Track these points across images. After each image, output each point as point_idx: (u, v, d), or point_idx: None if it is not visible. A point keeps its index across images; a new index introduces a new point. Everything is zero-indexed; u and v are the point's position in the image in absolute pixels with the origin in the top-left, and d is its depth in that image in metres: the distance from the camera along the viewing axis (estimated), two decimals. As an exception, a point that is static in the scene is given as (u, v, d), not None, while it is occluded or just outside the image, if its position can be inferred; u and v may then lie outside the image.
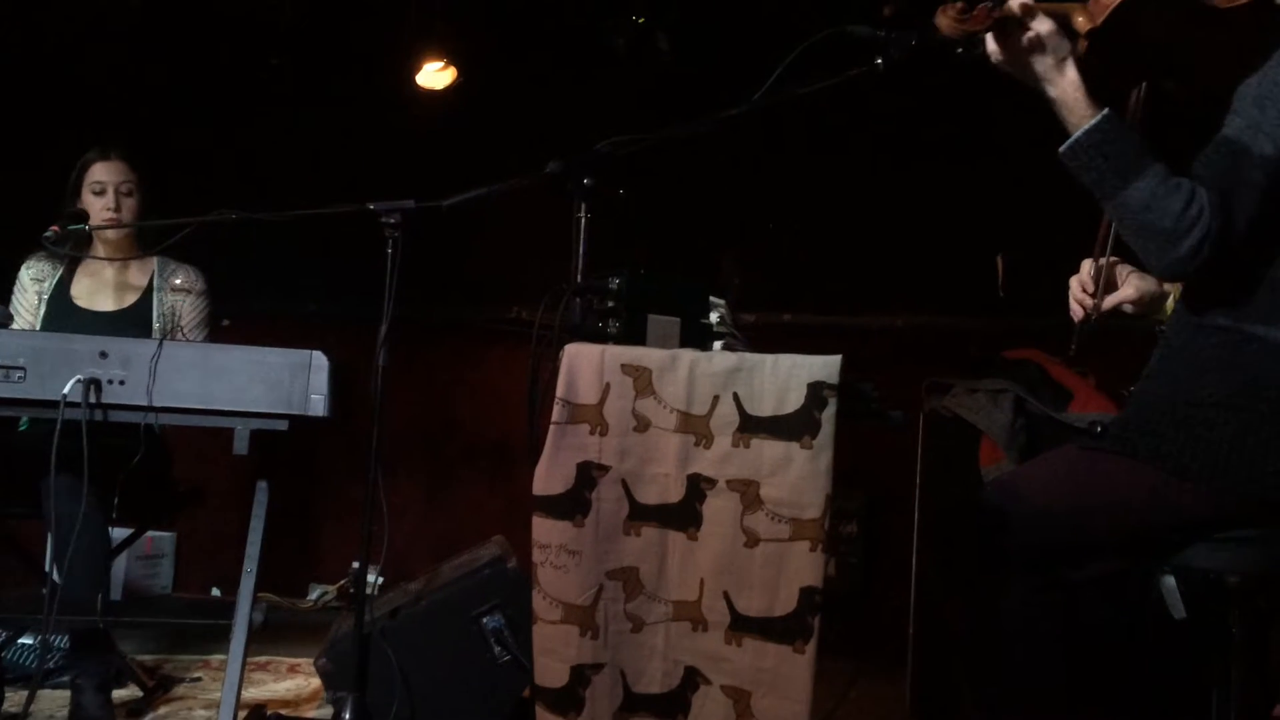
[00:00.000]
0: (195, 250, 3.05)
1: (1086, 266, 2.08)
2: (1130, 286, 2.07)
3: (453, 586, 2.72)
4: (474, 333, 4.60)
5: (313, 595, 4.56)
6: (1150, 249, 1.78)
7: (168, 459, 3.07)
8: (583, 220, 2.31)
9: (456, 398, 4.71)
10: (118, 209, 3.06)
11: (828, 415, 1.86)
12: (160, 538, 4.53)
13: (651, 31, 4.23)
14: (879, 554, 4.09)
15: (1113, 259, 2.06)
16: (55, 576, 2.49)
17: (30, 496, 2.66)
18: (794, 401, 1.87)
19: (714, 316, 2.12)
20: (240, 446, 2.42)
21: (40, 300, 3.09)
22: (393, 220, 2.53)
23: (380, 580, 3.68)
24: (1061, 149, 1.82)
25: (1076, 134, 1.79)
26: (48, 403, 2.34)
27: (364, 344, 2.80)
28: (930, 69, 2.09)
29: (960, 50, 1.84)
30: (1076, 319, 2.10)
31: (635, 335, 2.04)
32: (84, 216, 2.96)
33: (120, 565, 4.23)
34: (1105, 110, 1.79)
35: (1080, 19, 1.79)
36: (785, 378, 1.88)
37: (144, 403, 2.38)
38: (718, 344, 2.09)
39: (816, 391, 1.86)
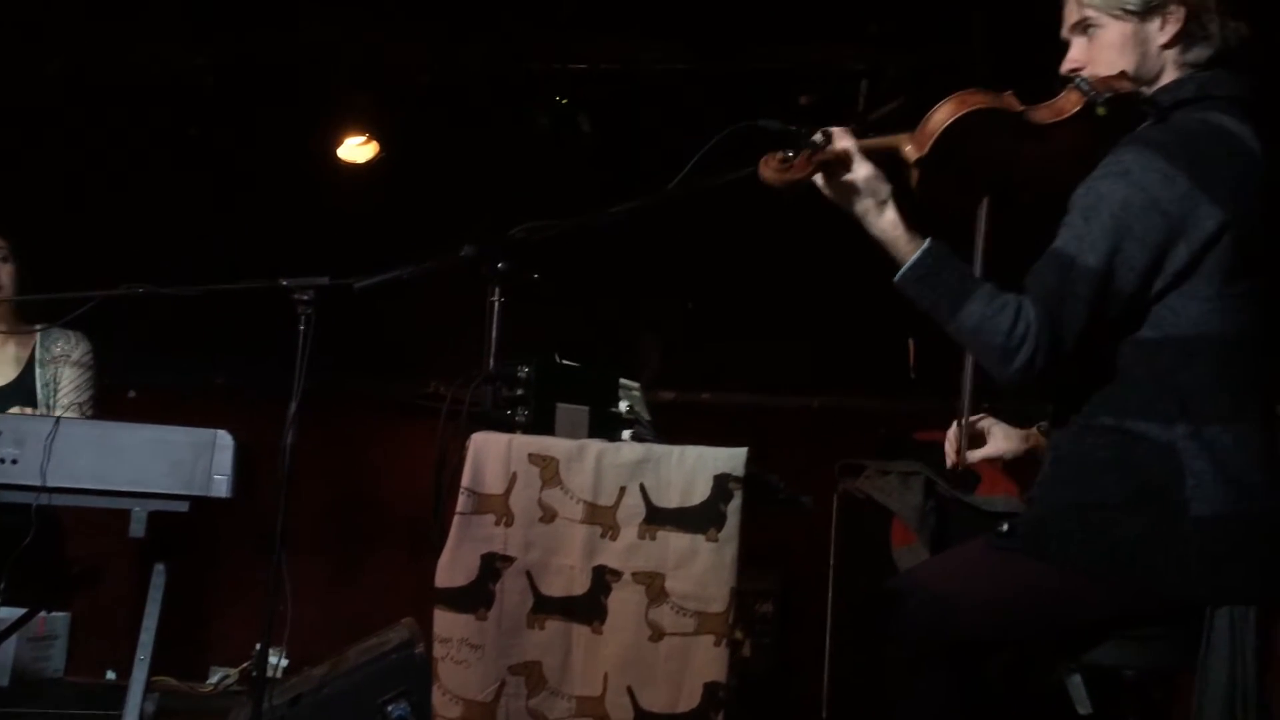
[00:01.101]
0: (103, 322, 2.99)
1: (954, 428, 2.17)
2: (992, 446, 2.16)
3: (358, 672, 2.65)
4: (389, 408, 4.54)
5: (213, 678, 4.40)
6: (988, 365, 1.84)
7: (61, 538, 2.97)
8: (496, 304, 2.31)
9: (370, 474, 4.64)
10: None
11: (733, 508, 1.86)
12: (54, 618, 4.33)
13: (574, 112, 4.29)
14: (794, 634, 4.09)
15: (974, 418, 2.15)
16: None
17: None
18: (700, 493, 1.87)
19: (624, 405, 2.13)
20: (137, 529, 2.35)
21: None
22: (305, 297, 2.51)
23: (284, 663, 3.58)
24: (895, 281, 1.87)
25: (903, 269, 1.85)
26: (-67, 483, 2.26)
27: (274, 417, 2.75)
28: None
29: (787, 198, 1.88)
30: (949, 466, 2.19)
31: (544, 424, 2.03)
32: None
33: (10, 646, 4.04)
34: (927, 243, 1.84)
35: (909, 148, 1.84)
36: (692, 470, 1.89)
37: (37, 482, 2.30)
38: (627, 433, 2.09)
39: (722, 484, 1.87)
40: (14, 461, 2.32)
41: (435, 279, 2.43)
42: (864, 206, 1.85)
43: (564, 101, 4.30)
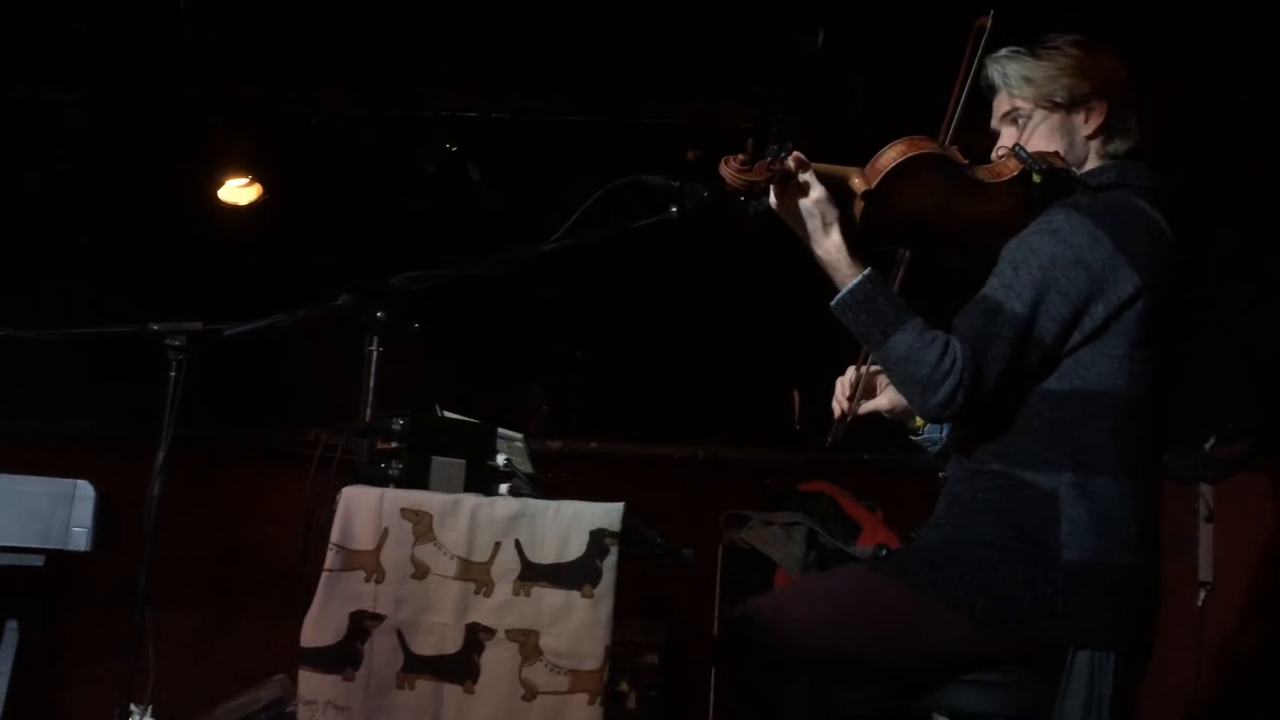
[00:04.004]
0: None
1: (850, 372, 2.23)
2: (884, 397, 2.24)
3: (225, 733, 2.55)
4: (264, 457, 4.40)
5: (72, 740, 4.17)
6: (910, 395, 1.94)
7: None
8: (374, 354, 2.28)
9: (243, 525, 4.48)
10: None
11: (609, 564, 1.86)
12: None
13: (463, 160, 4.28)
14: (680, 685, 4.08)
15: (874, 368, 2.21)
16: None
17: None
18: (575, 549, 1.86)
19: (501, 458, 2.11)
20: (-14, 585, 2.24)
21: None
22: (177, 342, 2.44)
23: (149, 723, 3.42)
24: (831, 303, 1.95)
25: (842, 291, 1.94)
26: None
27: (141, 466, 2.64)
28: (722, 217, 2.20)
29: (743, 199, 1.95)
30: (835, 416, 2.23)
31: (418, 478, 2.00)
32: None
33: None
34: (867, 270, 1.94)
35: (857, 180, 1.94)
36: (567, 525, 1.88)
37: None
38: (504, 487, 2.07)
39: (598, 539, 1.86)
40: None
41: (316, 325, 2.38)
42: (812, 225, 1.93)
43: (453, 149, 4.29)
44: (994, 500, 1.93)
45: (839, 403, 2.24)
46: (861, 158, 2.00)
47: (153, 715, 3.38)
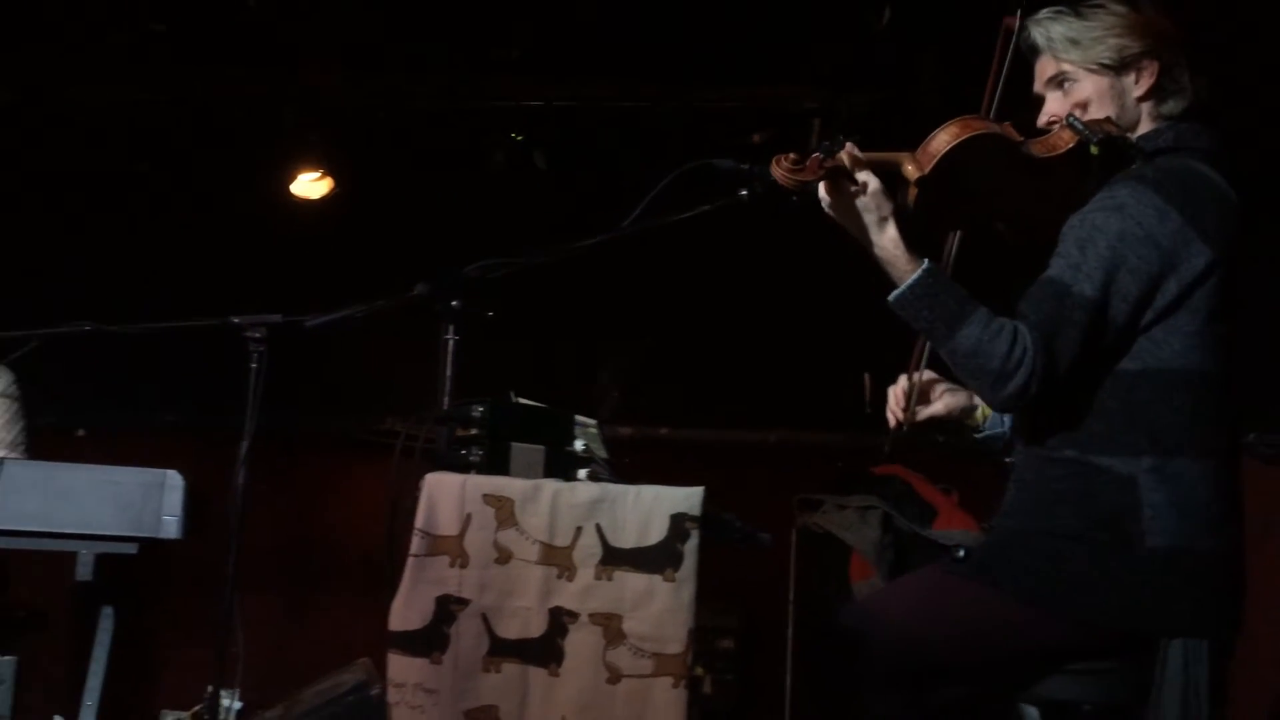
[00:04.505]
0: (51, 361, 2.94)
1: (902, 381, 2.18)
2: (940, 402, 2.17)
3: (313, 715, 2.62)
4: (341, 446, 4.49)
5: (164, 722, 4.30)
6: (981, 388, 1.88)
7: (6, 582, 2.91)
8: (450, 343, 2.30)
9: (324, 512, 4.58)
10: None
11: (690, 548, 1.86)
12: (0, 661, 4.23)
13: (529, 149, 4.30)
14: (755, 670, 4.08)
15: (926, 375, 2.16)
16: None
17: None
18: (657, 533, 1.86)
19: (580, 444, 2.12)
20: (83, 572, 2.31)
21: None
22: (257, 335, 2.48)
23: (238, 706, 3.51)
24: (890, 299, 1.90)
25: (901, 288, 1.88)
26: None
27: (225, 456, 2.70)
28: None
29: (795, 199, 1.90)
30: (891, 426, 2.19)
31: (498, 464, 2.02)
32: None
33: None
34: (926, 264, 1.87)
35: (909, 167, 1.87)
36: (648, 509, 1.88)
37: (-21, 525, 2.25)
38: (583, 473, 2.08)
39: (679, 523, 1.86)
40: (-44, 504, 2.27)
41: (389, 316, 2.42)
42: (868, 220, 1.88)
43: (519, 138, 4.31)
44: (1069, 489, 1.88)
45: (893, 413, 2.18)
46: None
47: (239, 699, 3.47)
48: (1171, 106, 1.98)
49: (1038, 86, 2.04)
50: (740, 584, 3.93)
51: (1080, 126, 1.90)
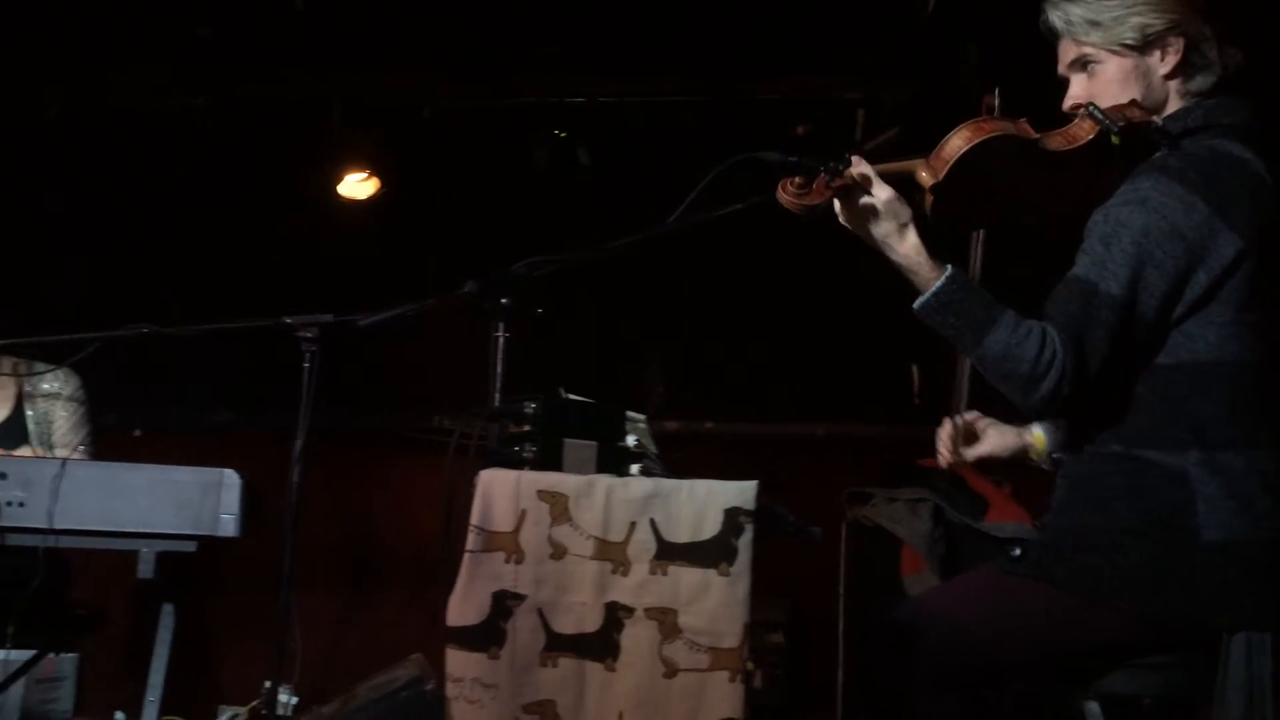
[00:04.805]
0: (106, 362, 3.00)
1: (947, 424, 2.18)
2: (988, 442, 2.19)
3: (369, 709, 2.65)
4: (392, 442, 4.53)
5: (222, 718, 4.37)
6: (1012, 392, 1.85)
7: (68, 580, 2.97)
8: (500, 340, 2.32)
9: (374, 509, 4.62)
10: None
11: (744, 542, 1.86)
12: (62, 659, 4.30)
13: (573, 145, 4.31)
14: (806, 664, 4.07)
15: (971, 414, 2.14)
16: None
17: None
18: (711, 528, 1.87)
19: (631, 440, 2.12)
20: (145, 570, 2.36)
21: None
22: (309, 334, 2.52)
23: (295, 701, 3.56)
24: (914, 307, 1.87)
25: (925, 296, 1.85)
26: (-62, 527, 2.26)
27: (277, 454, 2.74)
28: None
29: (805, 221, 1.88)
30: (942, 468, 2.19)
31: (551, 460, 2.03)
32: None
33: (18, 688, 4.02)
34: (949, 270, 1.84)
35: (924, 174, 1.85)
36: (702, 504, 1.88)
37: (44, 525, 2.31)
38: (635, 468, 2.09)
39: (733, 518, 1.86)
40: (21, 504, 2.33)
41: (435, 314, 2.44)
42: (885, 230, 1.85)
43: (562, 135, 4.32)
44: (1121, 484, 1.86)
45: (943, 456, 2.18)
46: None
47: (296, 694, 3.52)
48: (1200, 82, 1.92)
49: (1061, 69, 1.99)
50: (788, 578, 3.92)
51: (1100, 116, 1.86)
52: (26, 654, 2.99)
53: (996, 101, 1.93)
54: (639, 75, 4.21)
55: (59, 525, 2.31)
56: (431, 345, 4.06)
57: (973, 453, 2.18)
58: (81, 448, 3.05)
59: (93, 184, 4.37)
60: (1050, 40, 1.99)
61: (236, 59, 4.18)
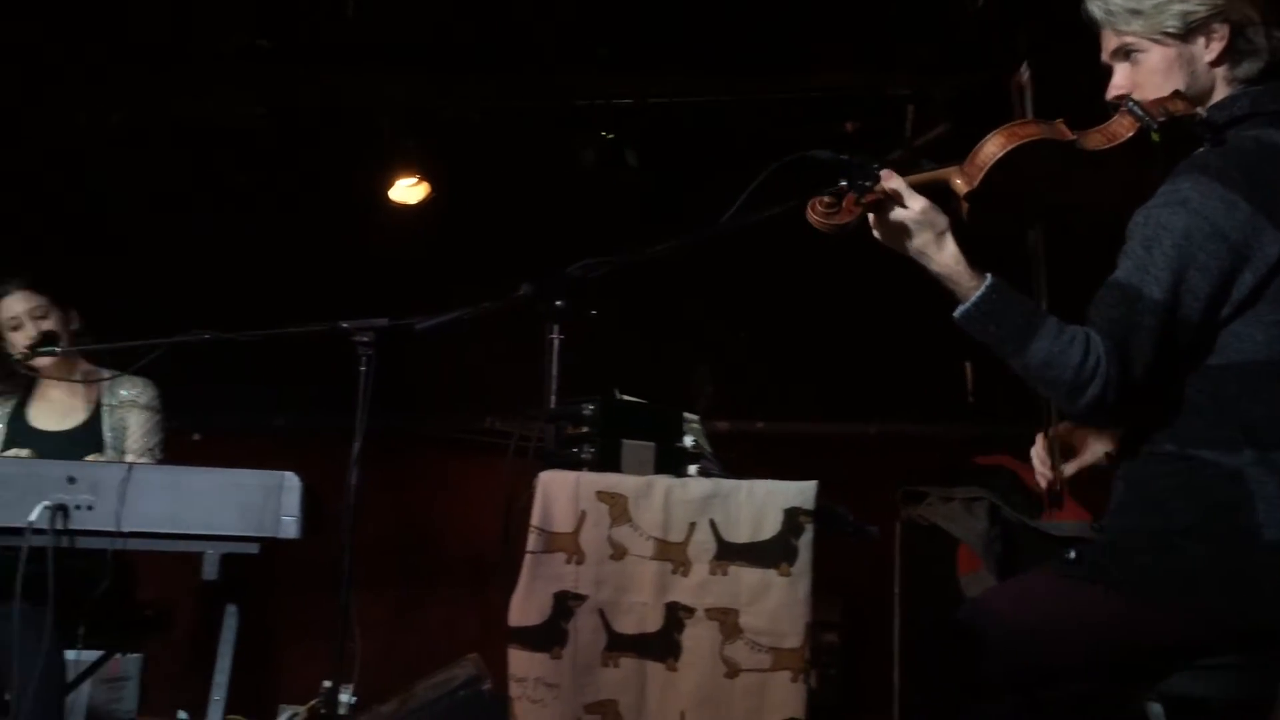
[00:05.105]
0: (166, 367, 3.07)
1: (1040, 441, 2.14)
2: (1089, 452, 2.14)
3: (428, 709, 2.69)
4: (444, 444, 4.58)
5: (282, 717, 4.43)
6: (1057, 400, 1.83)
7: (134, 582, 3.03)
8: (555, 342, 2.33)
9: (428, 510, 4.67)
10: (35, 335, 3.07)
11: (805, 542, 1.86)
12: (126, 659, 4.39)
13: (620, 146, 4.32)
14: (861, 665, 4.05)
15: (1062, 428, 2.12)
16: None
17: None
18: (770, 528, 1.87)
19: (689, 440, 2.13)
20: (210, 572, 2.40)
21: (3, 422, 3.13)
22: (365, 339, 2.55)
23: (354, 700, 3.60)
24: (955, 317, 1.84)
25: (965, 305, 1.82)
26: (12, 530, 2.31)
27: (332, 456, 2.77)
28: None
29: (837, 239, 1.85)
30: (1044, 490, 2.15)
31: (610, 461, 2.04)
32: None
33: (84, 688, 4.11)
34: (989, 279, 1.81)
35: (958, 181, 1.82)
36: (761, 504, 1.88)
37: (112, 528, 2.35)
38: (693, 468, 2.09)
39: (793, 518, 1.86)
40: (90, 508, 2.37)
41: (491, 317, 2.45)
42: (921, 242, 1.83)
43: (610, 137, 4.33)
44: (1178, 485, 1.82)
45: (1042, 476, 2.14)
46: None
47: (354, 693, 3.56)
48: (1247, 69, 1.87)
49: (1104, 57, 1.95)
50: (841, 577, 3.90)
51: (1140, 113, 1.82)
52: (95, 654, 3.06)
53: (1026, 76, 1.90)
54: (685, 76, 4.21)
55: (126, 528, 2.35)
56: (481, 347, 4.10)
57: (1072, 466, 2.13)
58: (150, 454, 3.12)
59: (153, 192, 4.45)
60: (1092, 29, 1.95)
61: (289, 68, 4.24)
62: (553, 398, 2.29)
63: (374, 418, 2.49)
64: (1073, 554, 1.89)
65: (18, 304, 3.08)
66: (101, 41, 4.06)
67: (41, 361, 3.08)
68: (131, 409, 3.14)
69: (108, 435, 3.10)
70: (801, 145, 2.21)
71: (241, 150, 4.42)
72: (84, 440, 3.07)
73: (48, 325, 3.09)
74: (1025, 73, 1.90)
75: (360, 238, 4.45)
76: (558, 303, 2.33)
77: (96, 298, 3.30)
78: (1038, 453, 2.15)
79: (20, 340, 3.06)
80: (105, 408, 3.15)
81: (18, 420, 3.13)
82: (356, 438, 2.49)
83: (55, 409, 3.15)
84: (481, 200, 4.46)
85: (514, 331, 2.59)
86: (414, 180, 4.46)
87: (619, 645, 1.91)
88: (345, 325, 2.58)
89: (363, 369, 2.53)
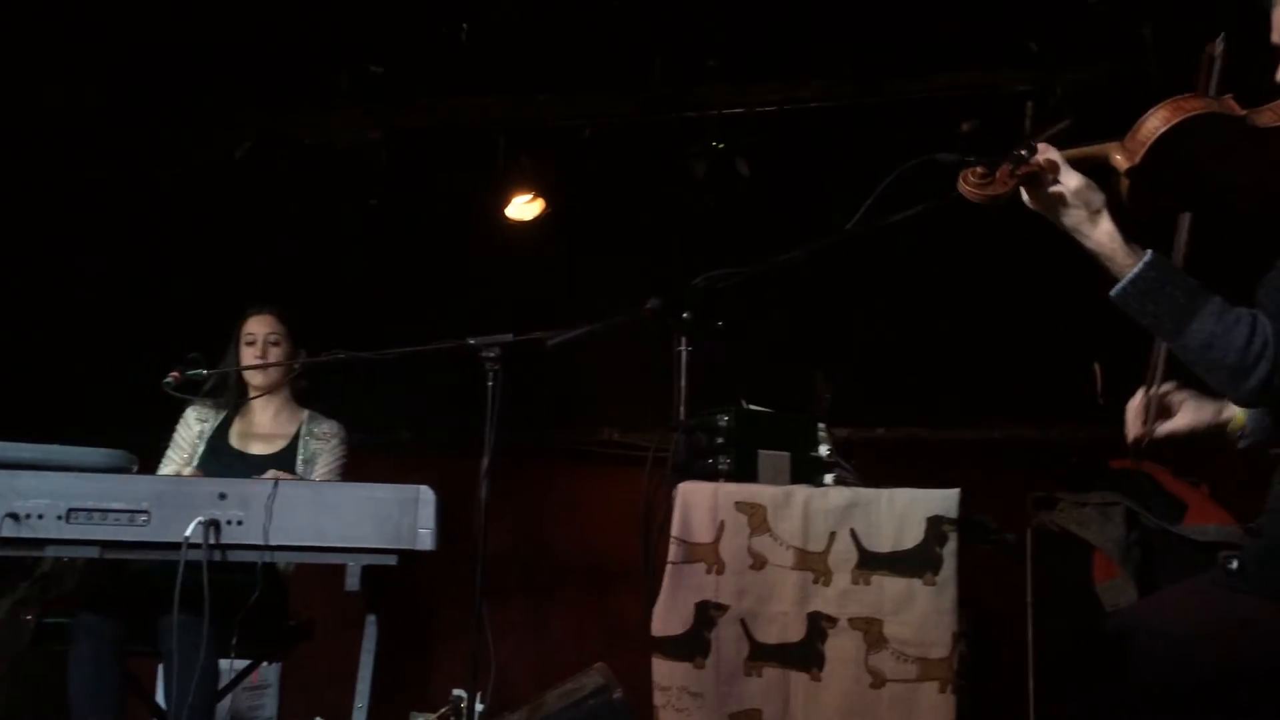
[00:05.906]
0: (295, 383, 3.21)
1: (1139, 395, 2.04)
2: (1182, 418, 2.03)
3: (557, 717, 2.70)
4: (563, 455, 4.62)
5: (412, 724, 4.53)
6: (1219, 382, 1.75)
7: (285, 593, 3.14)
8: (684, 354, 2.35)
9: (550, 521, 4.73)
10: (264, 357, 3.21)
11: (949, 550, 1.84)
12: (266, 668, 4.55)
13: (731, 156, 4.32)
14: (992, 675, 3.96)
15: (1166, 387, 2.02)
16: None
17: (147, 634, 2.74)
18: (913, 537, 1.85)
19: (824, 449, 2.12)
20: (352, 583, 2.47)
21: (202, 439, 3.26)
22: (492, 354, 2.60)
23: (483, 708, 3.67)
24: (1111, 295, 1.79)
25: (1122, 282, 1.77)
26: (170, 544, 2.41)
27: (457, 468, 2.83)
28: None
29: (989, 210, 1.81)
30: (1129, 442, 2.06)
31: (746, 472, 2.05)
32: (199, 362, 3.10)
33: (227, 695, 4.26)
34: (1149, 255, 1.76)
35: (1119, 157, 1.77)
36: (903, 512, 1.87)
37: (260, 541, 2.44)
38: (829, 477, 2.09)
39: (936, 526, 1.85)
40: (240, 523, 2.47)
41: (621, 332, 2.48)
42: (1076, 218, 1.78)
43: (721, 146, 4.34)
44: None
45: (1131, 428, 2.04)
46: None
47: (484, 701, 3.62)
48: None
49: (1275, 36, 1.86)
50: (971, 586, 3.83)
51: None
52: (244, 662, 3.18)
53: (1220, 49, 1.84)
54: (793, 81, 4.19)
55: (273, 542, 2.44)
56: (595, 359, 4.13)
57: (1165, 428, 2.03)
58: (327, 477, 3.25)
59: (282, 220, 4.61)
60: (1264, 7, 1.86)
61: (404, 92, 4.35)
62: (681, 409, 2.31)
63: (498, 431, 2.53)
64: (1234, 565, 1.81)
65: (260, 325, 3.26)
66: (229, 74, 4.23)
67: (257, 380, 3.22)
68: (327, 443, 3.28)
69: (300, 466, 3.23)
70: (914, 148, 2.19)
71: (365, 175, 4.54)
72: (278, 466, 3.18)
73: (277, 353, 3.25)
74: (1220, 45, 1.83)
75: (479, 254, 4.53)
76: (685, 315, 2.35)
77: (229, 319, 3.42)
78: (1134, 407, 2.04)
79: (248, 356, 3.22)
80: (302, 440, 3.28)
81: (218, 439, 3.26)
82: (486, 452, 2.54)
83: (257, 434, 3.29)
84: (595, 214, 4.50)
85: (629, 344, 2.62)
86: (529, 197, 4.53)
87: (761, 655, 1.91)
88: (473, 342, 2.64)
89: (490, 384, 2.58)
